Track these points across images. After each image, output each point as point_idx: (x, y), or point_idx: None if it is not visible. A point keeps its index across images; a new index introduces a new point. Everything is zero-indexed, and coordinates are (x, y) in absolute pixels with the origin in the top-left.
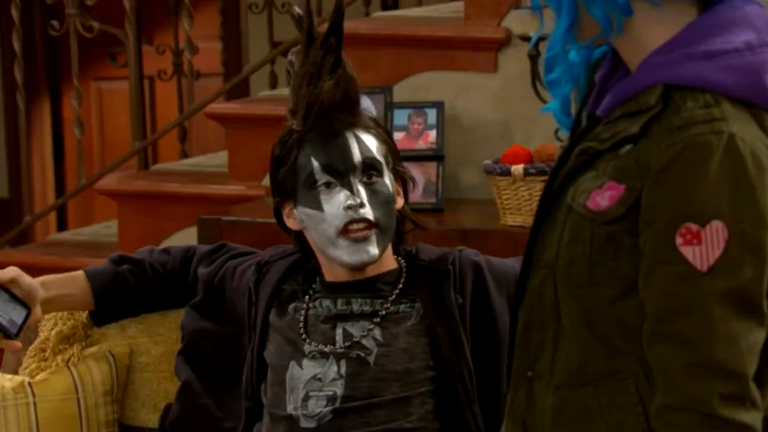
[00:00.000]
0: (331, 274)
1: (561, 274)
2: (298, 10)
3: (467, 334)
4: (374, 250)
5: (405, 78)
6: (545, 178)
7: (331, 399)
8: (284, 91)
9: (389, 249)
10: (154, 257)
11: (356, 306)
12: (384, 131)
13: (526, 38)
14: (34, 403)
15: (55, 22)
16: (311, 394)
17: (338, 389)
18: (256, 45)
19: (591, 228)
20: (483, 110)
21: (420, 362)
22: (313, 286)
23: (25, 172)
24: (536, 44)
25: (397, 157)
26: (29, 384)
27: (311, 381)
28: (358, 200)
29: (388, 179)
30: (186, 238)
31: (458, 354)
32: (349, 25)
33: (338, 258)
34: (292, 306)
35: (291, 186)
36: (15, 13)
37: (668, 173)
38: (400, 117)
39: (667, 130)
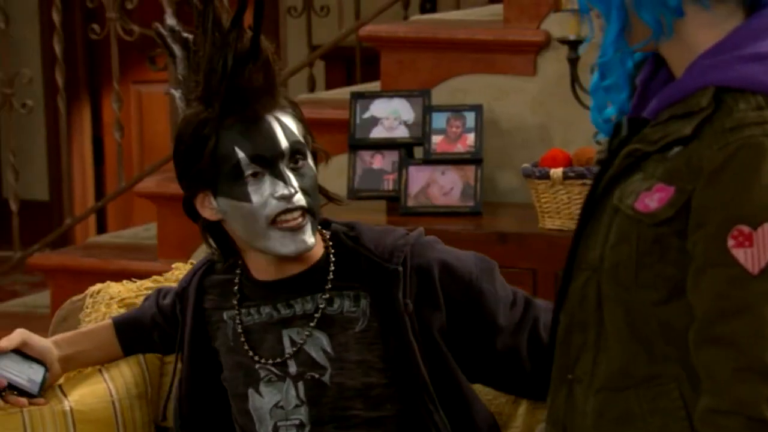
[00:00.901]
0: (259, 270)
1: (606, 276)
2: None
3: (418, 340)
4: (310, 239)
5: (444, 81)
6: (584, 181)
7: (299, 427)
8: (322, 94)
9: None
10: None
11: (299, 307)
12: (297, 107)
13: (565, 41)
14: (71, 408)
15: (95, 26)
16: (279, 424)
17: (303, 416)
18: (294, 48)
19: (638, 230)
20: (522, 113)
21: (377, 373)
22: (243, 290)
23: (65, 175)
24: (575, 47)
25: (311, 133)
26: (61, 389)
27: (275, 410)
28: (292, 189)
29: (311, 160)
30: None
31: (412, 363)
32: (388, 29)
33: (270, 249)
34: (227, 315)
35: (211, 177)
36: (56, 17)
37: (721, 175)
38: (439, 120)
39: (720, 131)
